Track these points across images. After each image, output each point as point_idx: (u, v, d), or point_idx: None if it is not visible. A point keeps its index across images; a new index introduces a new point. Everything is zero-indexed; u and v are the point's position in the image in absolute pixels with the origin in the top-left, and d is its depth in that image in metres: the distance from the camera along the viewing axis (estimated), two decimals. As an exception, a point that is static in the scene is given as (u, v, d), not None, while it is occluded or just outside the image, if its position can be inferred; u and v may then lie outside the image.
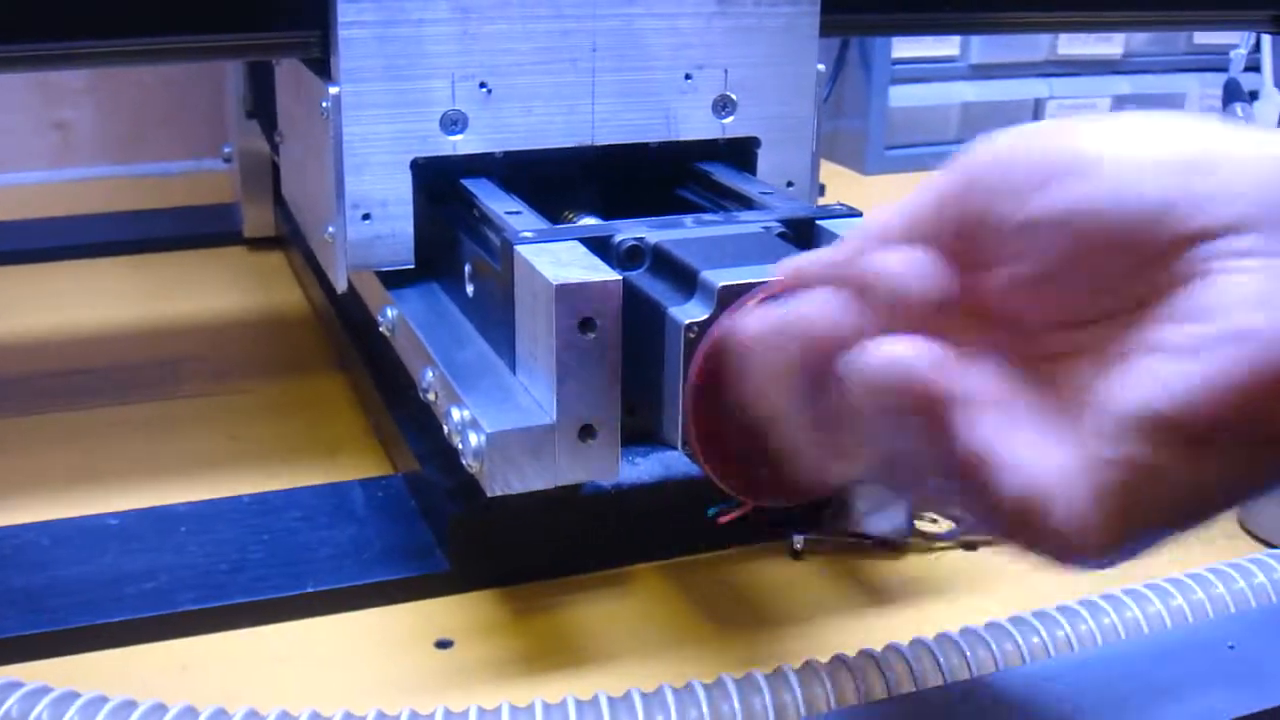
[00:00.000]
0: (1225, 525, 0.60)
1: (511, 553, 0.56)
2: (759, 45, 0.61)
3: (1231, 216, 0.29)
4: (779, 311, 0.35)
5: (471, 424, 0.46)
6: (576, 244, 0.48)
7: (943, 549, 0.59)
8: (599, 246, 0.48)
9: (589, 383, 0.45)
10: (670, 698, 0.44)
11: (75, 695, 0.43)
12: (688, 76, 0.60)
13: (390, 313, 0.59)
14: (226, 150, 1.07)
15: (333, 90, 0.55)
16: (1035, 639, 0.47)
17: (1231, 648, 0.45)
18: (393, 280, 0.59)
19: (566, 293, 0.44)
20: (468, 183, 0.58)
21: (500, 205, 0.54)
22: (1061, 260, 0.31)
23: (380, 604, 0.55)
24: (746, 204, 0.57)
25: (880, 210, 0.34)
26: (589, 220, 0.59)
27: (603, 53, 0.58)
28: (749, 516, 0.49)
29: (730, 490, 0.43)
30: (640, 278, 0.48)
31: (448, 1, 0.55)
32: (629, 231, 0.49)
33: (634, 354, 0.45)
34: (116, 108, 1.26)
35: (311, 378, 0.80)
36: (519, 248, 0.48)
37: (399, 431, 0.63)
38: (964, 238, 0.32)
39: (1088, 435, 0.30)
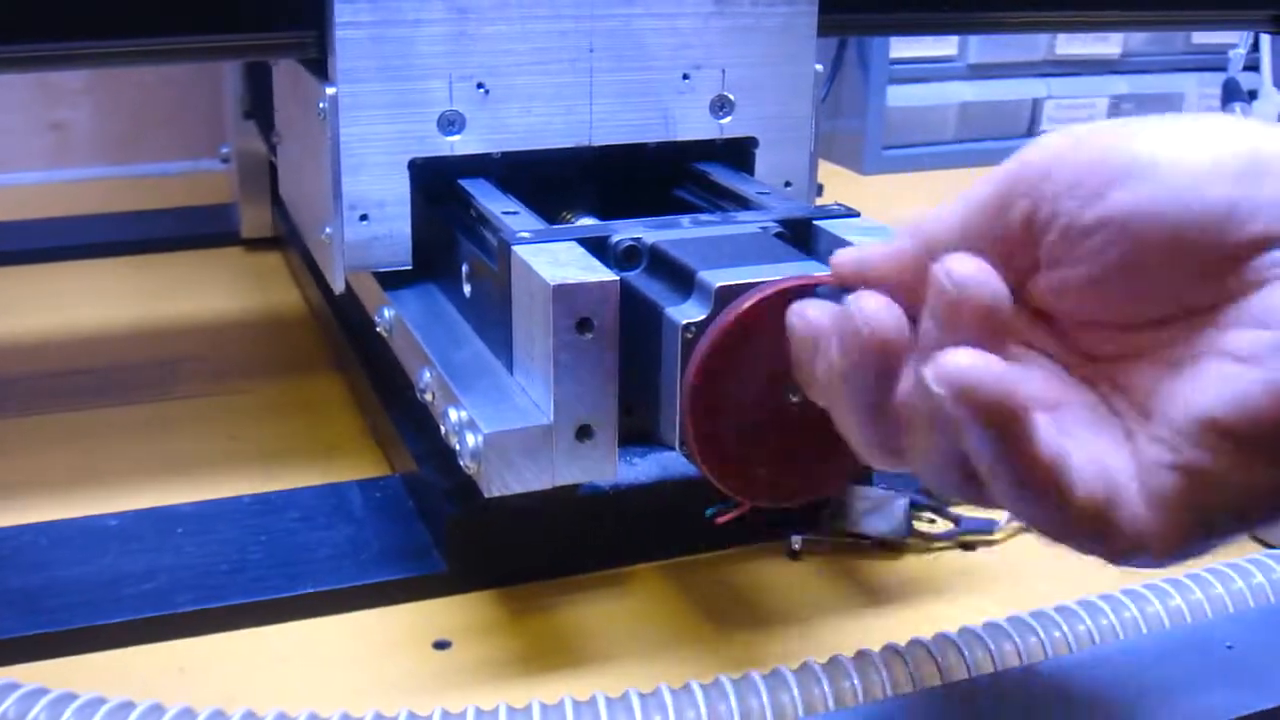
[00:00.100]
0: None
1: (509, 553, 0.56)
2: (756, 45, 0.61)
3: None
4: (838, 309, 0.35)
5: (469, 424, 0.46)
6: (574, 244, 0.48)
7: (941, 549, 0.59)
8: (596, 247, 0.48)
9: (586, 383, 0.45)
10: (668, 698, 0.44)
11: (73, 696, 0.43)
12: (685, 77, 0.60)
13: (388, 313, 0.59)
14: (224, 151, 1.07)
15: (330, 91, 0.55)
16: (1033, 639, 0.47)
17: (1230, 648, 0.45)
18: (390, 281, 0.59)
19: (564, 293, 0.44)
20: (465, 183, 0.57)
21: (498, 206, 0.54)
22: (1119, 263, 0.31)
23: (378, 605, 0.55)
24: (744, 204, 0.57)
25: (931, 211, 0.34)
26: (586, 220, 0.59)
27: (600, 53, 0.58)
28: (747, 517, 0.49)
29: (728, 491, 0.43)
30: (637, 278, 0.48)
31: (445, 2, 0.55)
32: (626, 232, 0.49)
33: (631, 354, 0.45)
34: (115, 108, 1.26)
35: (309, 378, 0.80)
36: (516, 248, 0.47)
37: (396, 432, 0.63)
38: (1016, 241, 0.32)
39: (1150, 440, 0.30)
